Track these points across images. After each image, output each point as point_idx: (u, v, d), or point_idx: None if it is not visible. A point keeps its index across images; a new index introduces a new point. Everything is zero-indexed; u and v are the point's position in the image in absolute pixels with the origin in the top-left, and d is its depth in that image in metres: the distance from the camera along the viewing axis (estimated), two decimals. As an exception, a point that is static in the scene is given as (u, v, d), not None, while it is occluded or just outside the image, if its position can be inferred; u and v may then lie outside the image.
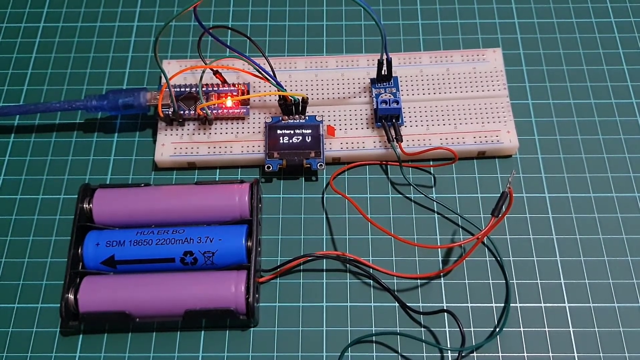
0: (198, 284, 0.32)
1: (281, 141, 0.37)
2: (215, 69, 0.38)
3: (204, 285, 0.32)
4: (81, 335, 0.33)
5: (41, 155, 0.38)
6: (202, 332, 0.33)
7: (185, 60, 0.40)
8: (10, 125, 0.40)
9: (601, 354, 0.32)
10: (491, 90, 0.39)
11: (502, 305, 0.33)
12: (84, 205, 0.34)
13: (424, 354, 0.32)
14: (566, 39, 0.42)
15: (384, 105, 0.37)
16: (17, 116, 0.40)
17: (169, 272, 0.33)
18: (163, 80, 0.38)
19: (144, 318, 0.32)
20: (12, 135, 0.39)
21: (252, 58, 0.36)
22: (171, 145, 0.38)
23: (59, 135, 0.39)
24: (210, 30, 0.36)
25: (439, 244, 0.35)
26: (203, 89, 0.38)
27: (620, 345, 0.32)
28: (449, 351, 0.32)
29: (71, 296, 0.32)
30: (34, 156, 0.38)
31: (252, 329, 0.33)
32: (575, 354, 0.32)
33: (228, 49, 0.36)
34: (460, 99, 0.39)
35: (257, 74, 0.37)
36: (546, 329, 0.33)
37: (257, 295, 0.33)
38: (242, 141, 0.38)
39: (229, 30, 0.41)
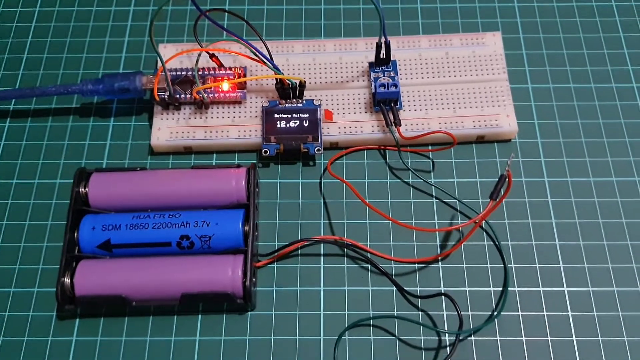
0: (195, 267, 0.32)
1: (278, 125, 0.37)
2: (211, 53, 0.38)
3: (201, 269, 0.32)
4: (78, 319, 0.33)
5: (37, 140, 0.38)
6: (200, 316, 0.33)
7: (182, 44, 0.40)
8: (5, 109, 0.39)
9: (600, 338, 0.32)
10: (490, 74, 0.39)
11: (500, 289, 0.33)
12: (80, 190, 0.34)
13: (422, 338, 0.32)
14: (566, 22, 0.42)
15: (382, 89, 0.37)
16: (13, 100, 0.39)
17: (165, 256, 0.33)
18: (159, 64, 0.37)
19: (140, 302, 0.32)
20: (8, 119, 0.39)
21: (249, 41, 0.36)
22: (167, 129, 0.37)
23: (55, 120, 0.39)
24: (207, 13, 0.36)
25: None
26: (199, 72, 0.38)
27: (619, 329, 0.32)
28: (447, 334, 0.32)
29: (67, 280, 0.32)
30: (30, 141, 0.38)
31: (249, 312, 0.33)
32: (574, 338, 0.32)
33: (225, 32, 0.36)
34: (460, 82, 0.38)
35: (254, 57, 0.36)
36: (545, 313, 0.33)
37: (254, 280, 0.33)
38: (239, 125, 0.37)
39: (226, 14, 0.40)
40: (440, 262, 0.34)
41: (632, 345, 0.32)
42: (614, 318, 0.33)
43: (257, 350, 0.32)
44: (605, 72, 0.40)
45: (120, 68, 0.40)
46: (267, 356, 0.32)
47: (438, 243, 0.35)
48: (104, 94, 0.37)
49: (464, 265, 0.34)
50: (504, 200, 0.34)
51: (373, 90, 0.37)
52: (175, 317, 0.33)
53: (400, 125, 0.36)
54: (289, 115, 0.37)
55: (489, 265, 0.34)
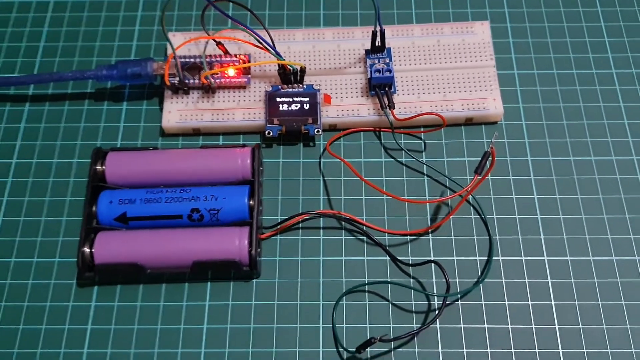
0: (204, 237, 0.35)
1: (280, 108, 0.39)
2: (218, 40, 0.40)
3: (210, 238, 0.34)
4: (96, 287, 0.36)
5: (55, 122, 0.41)
6: (209, 283, 0.36)
7: (190, 33, 0.43)
8: (25, 94, 0.42)
9: (576, 302, 0.35)
10: (479, 61, 0.41)
11: (486, 258, 0.36)
12: (97, 167, 0.37)
13: (413, 302, 0.35)
14: (551, 12, 0.44)
15: (377, 74, 0.39)
16: (32, 86, 0.42)
17: (177, 227, 0.35)
18: (169, 51, 0.40)
19: (154, 269, 0.35)
20: (27, 103, 0.41)
21: (253, 30, 0.39)
22: (177, 112, 0.40)
23: (72, 104, 0.41)
24: (214, 3, 0.38)
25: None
26: (206, 59, 0.40)
27: (594, 294, 0.35)
28: (435, 298, 0.35)
29: (87, 250, 0.35)
30: (48, 123, 0.41)
31: (254, 280, 0.36)
32: (553, 302, 0.35)
33: (230, 21, 0.38)
34: (450, 69, 0.41)
35: (257, 44, 0.39)
36: (526, 280, 0.35)
37: (259, 250, 0.35)
38: (244, 109, 0.40)
39: (231, 3, 0.43)
40: (430, 234, 0.37)
41: (606, 308, 0.35)
42: (590, 284, 0.35)
43: (262, 314, 0.35)
44: (587, 59, 0.42)
45: (131, 56, 0.43)
46: (271, 319, 0.35)
47: (428, 217, 0.37)
48: (117, 79, 0.40)
49: (452, 237, 0.37)
50: (489, 176, 0.37)
51: (369, 76, 0.40)
52: (187, 284, 0.36)
53: (394, 108, 0.39)
54: (291, 99, 0.40)
55: (475, 237, 0.37)
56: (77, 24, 0.45)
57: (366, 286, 0.35)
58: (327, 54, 0.42)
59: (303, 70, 0.39)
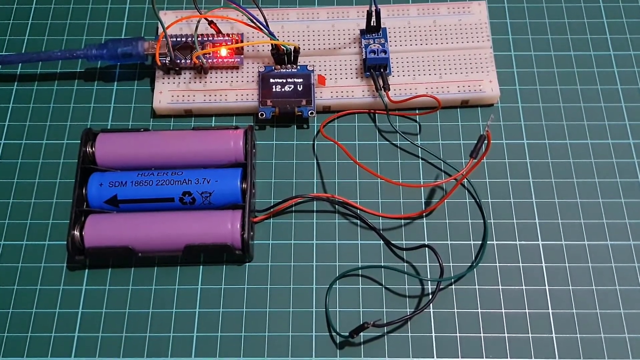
0: (197, 221, 0.34)
1: (274, 90, 0.39)
2: (210, 19, 0.39)
3: (202, 222, 0.34)
4: (87, 270, 0.35)
5: (44, 103, 0.40)
6: (201, 266, 0.35)
7: (181, 12, 0.42)
8: (13, 73, 0.41)
9: (570, 287, 0.35)
10: (475, 42, 0.40)
11: (480, 242, 0.36)
12: (87, 149, 0.36)
13: (406, 286, 0.35)
14: (549, -8, 0.44)
15: (372, 55, 0.39)
16: (20, 65, 0.41)
17: (169, 211, 0.35)
18: (160, 30, 0.39)
19: (146, 253, 0.34)
20: (16, 83, 0.41)
21: (246, 9, 0.38)
22: (168, 93, 0.39)
23: (61, 84, 0.41)
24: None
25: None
26: (198, 38, 0.39)
27: (588, 279, 0.35)
28: (429, 282, 0.35)
29: (77, 233, 0.34)
30: (37, 103, 0.40)
31: (247, 263, 0.35)
32: (547, 287, 0.35)
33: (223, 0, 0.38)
34: (446, 50, 0.40)
35: (250, 24, 0.38)
36: (520, 264, 0.35)
37: (251, 233, 0.35)
38: (237, 89, 0.39)
39: (224, -18, 0.42)
40: (424, 218, 0.37)
41: (600, 293, 0.35)
42: (584, 269, 0.35)
43: (255, 298, 0.35)
44: (585, 40, 0.42)
45: (122, 34, 0.42)
46: (264, 303, 0.34)
47: (423, 200, 0.37)
48: (107, 59, 0.39)
49: (447, 221, 0.36)
50: (485, 160, 0.37)
51: (364, 57, 0.39)
52: (179, 267, 0.35)
53: (389, 90, 0.39)
54: (284, 80, 0.39)
55: (469, 221, 0.36)
56: (66, 1, 0.44)
57: (359, 270, 0.35)
58: (322, 34, 0.41)
59: (297, 51, 0.39)
